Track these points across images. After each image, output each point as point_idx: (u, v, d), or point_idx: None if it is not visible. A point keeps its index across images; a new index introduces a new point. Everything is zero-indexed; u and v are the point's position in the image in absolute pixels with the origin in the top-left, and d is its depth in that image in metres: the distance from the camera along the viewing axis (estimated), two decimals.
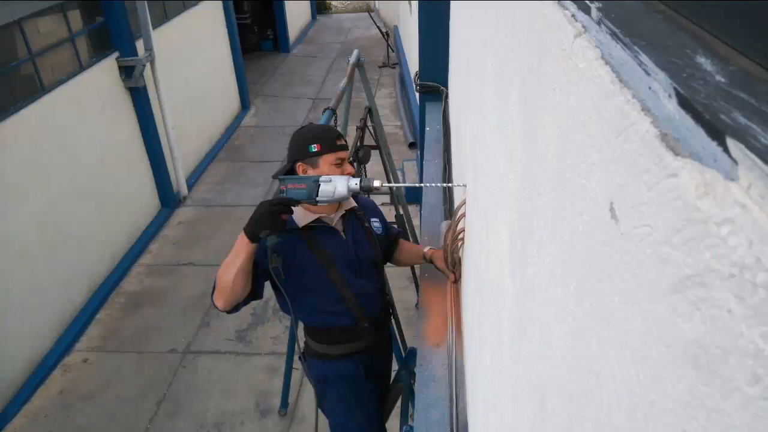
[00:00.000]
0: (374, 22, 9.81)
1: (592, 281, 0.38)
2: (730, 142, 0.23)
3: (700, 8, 0.30)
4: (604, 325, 0.36)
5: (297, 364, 2.88)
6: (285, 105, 8.45)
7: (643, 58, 0.32)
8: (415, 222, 3.54)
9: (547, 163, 0.51)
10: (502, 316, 0.80)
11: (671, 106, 0.28)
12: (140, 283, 4.79)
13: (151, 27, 5.15)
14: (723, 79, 0.25)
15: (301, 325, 2.00)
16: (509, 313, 0.74)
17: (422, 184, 1.86)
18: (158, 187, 5.64)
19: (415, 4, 5.37)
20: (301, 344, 2.03)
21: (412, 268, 3.84)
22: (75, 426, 3.54)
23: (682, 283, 0.25)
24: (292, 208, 1.60)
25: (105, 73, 4.80)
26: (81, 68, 4.49)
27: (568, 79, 0.43)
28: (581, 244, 0.41)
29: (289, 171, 1.75)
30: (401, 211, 3.47)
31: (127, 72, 4.99)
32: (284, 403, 3.51)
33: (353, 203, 1.88)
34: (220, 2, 7.49)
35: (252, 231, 1.53)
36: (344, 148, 1.77)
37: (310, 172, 1.71)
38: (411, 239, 3.32)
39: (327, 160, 1.71)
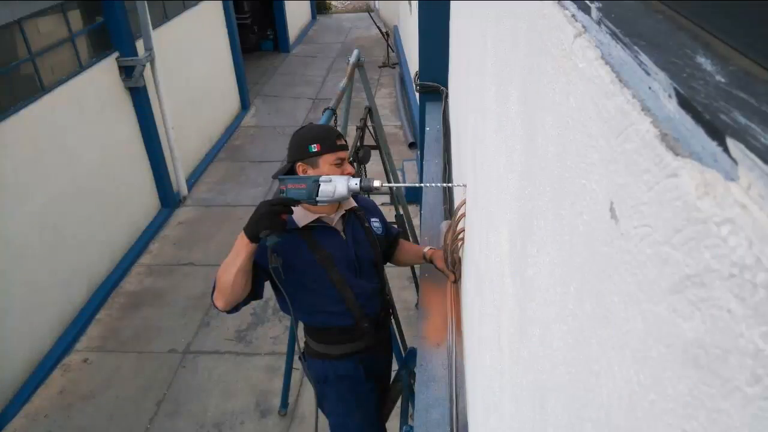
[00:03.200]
0: (374, 22, 9.79)
1: (592, 281, 0.38)
2: (730, 142, 0.23)
3: (700, 8, 0.30)
4: (604, 325, 0.36)
5: (297, 364, 2.89)
6: (285, 105, 8.45)
7: (643, 58, 0.32)
8: (415, 222, 3.54)
9: (547, 163, 0.51)
10: (502, 316, 0.80)
11: (671, 106, 0.28)
12: (140, 283, 4.79)
13: (151, 27, 5.15)
14: (723, 79, 0.25)
15: (301, 325, 2.00)
16: (509, 313, 0.74)
17: (422, 184, 1.85)
18: (158, 187, 5.64)
19: (415, 4, 5.37)
20: (301, 344, 2.03)
21: (412, 268, 3.84)
22: (75, 426, 3.54)
23: (682, 283, 0.25)
24: (292, 208, 1.60)
25: (105, 73, 4.80)
26: (81, 68, 4.50)
27: (568, 79, 0.43)
28: (581, 244, 0.41)
29: (289, 171, 1.75)
30: (401, 211, 3.47)
31: (127, 72, 4.99)
32: (284, 403, 3.51)
33: (353, 203, 1.88)
34: (220, 2, 7.49)
35: (252, 231, 1.53)
36: (344, 148, 1.77)
37: (310, 172, 1.71)
38: (411, 239, 3.32)
39: (327, 160, 1.71)
